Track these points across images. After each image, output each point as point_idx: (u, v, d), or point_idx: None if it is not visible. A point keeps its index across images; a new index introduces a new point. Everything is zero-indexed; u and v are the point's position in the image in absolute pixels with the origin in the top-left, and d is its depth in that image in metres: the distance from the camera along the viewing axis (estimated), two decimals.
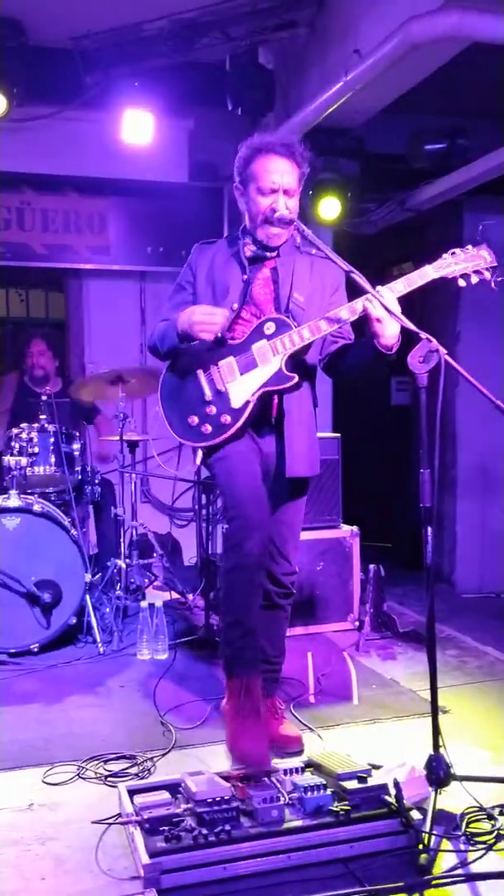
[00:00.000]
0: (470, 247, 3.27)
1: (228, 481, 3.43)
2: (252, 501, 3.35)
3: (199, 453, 3.52)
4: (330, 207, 6.21)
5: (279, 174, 3.36)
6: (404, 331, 3.16)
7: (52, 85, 5.98)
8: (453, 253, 3.28)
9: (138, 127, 5.89)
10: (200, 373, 3.47)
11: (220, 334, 3.38)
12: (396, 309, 3.15)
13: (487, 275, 3.26)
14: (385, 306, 3.13)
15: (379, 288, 3.20)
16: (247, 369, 3.41)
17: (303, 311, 3.43)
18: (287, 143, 3.42)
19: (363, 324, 3.29)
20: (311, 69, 5.80)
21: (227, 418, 3.41)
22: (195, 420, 3.45)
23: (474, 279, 3.27)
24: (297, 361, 3.43)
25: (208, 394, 3.43)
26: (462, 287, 3.30)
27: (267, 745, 3.32)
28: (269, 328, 3.41)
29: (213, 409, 3.42)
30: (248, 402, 3.40)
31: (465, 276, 3.28)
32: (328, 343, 3.54)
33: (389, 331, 3.21)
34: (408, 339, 3.11)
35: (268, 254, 3.49)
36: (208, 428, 3.42)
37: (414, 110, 5.97)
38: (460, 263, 3.26)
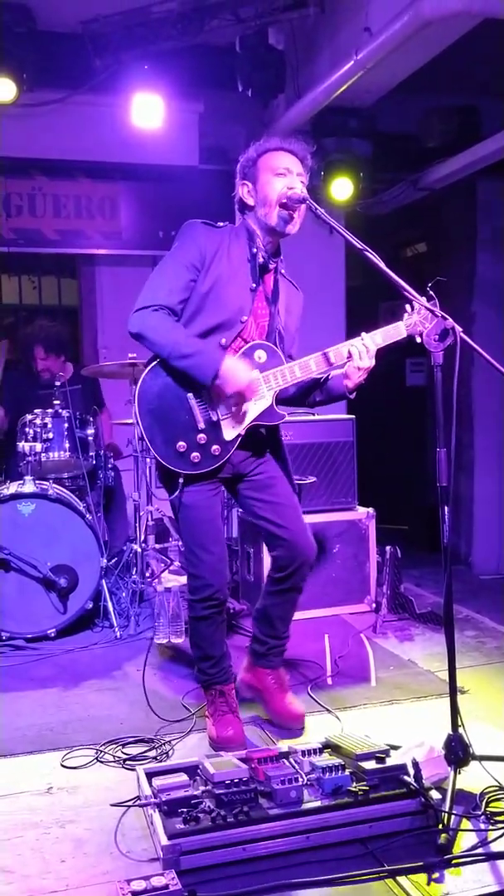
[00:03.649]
0: (424, 300, 3.10)
1: (191, 531, 3.46)
2: (217, 549, 3.46)
3: (177, 481, 3.38)
4: (342, 188, 6.17)
5: (291, 162, 3.36)
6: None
7: (61, 70, 5.95)
8: (414, 309, 3.23)
9: (148, 111, 5.86)
10: (192, 398, 3.32)
11: (223, 342, 3.35)
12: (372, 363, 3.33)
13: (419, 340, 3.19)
14: (394, 280, 3.09)
15: (363, 335, 3.32)
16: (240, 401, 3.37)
17: (282, 339, 3.46)
18: (291, 141, 3.42)
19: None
20: (322, 49, 5.76)
21: (217, 449, 3.34)
22: (183, 446, 3.31)
23: (418, 339, 3.19)
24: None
25: (201, 422, 3.32)
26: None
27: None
28: (260, 356, 3.37)
29: (203, 439, 3.32)
30: (238, 436, 3.37)
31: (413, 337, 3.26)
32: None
33: (359, 378, 3.38)
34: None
35: (273, 264, 3.45)
36: (198, 457, 3.33)
37: (426, 89, 5.92)
38: (418, 324, 3.22)
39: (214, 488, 3.47)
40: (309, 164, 3.43)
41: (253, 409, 3.37)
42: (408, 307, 3.24)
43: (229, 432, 3.35)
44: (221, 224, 3.48)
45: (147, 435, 3.34)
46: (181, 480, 3.36)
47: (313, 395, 3.62)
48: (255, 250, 3.40)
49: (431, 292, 3.05)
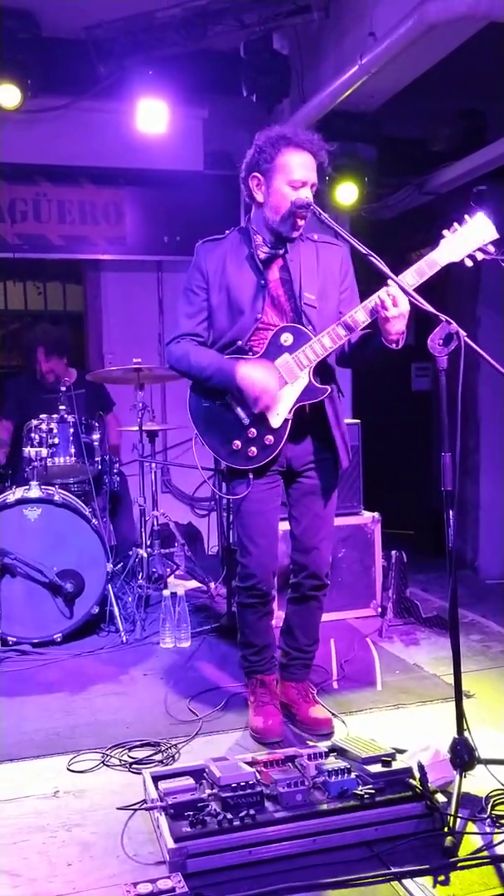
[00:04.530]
0: (467, 217, 3.19)
1: (243, 521, 3.56)
2: (264, 542, 3.55)
3: (248, 477, 3.49)
4: (347, 192, 6.17)
5: (309, 169, 3.34)
6: (425, 316, 3.13)
7: (65, 76, 5.99)
8: (454, 230, 3.21)
9: (153, 116, 5.88)
10: (230, 398, 3.44)
11: (240, 343, 3.41)
12: (406, 306, 3.19)
13: (492, 249, 3.19)
14: (405, 290, 3.11)
15: (389, 283, 3.19)
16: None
17: (315, 310, 3.43)
18: (311, 138, 3.37)
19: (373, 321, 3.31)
20: (326, 54, 5.77)
21: (270, 439, 3.42)
22: (238, 444, 3.43)
23: (480, 256, 3.20)
24: (321, 365, 3.43)
25: (245, 418, 3.43)
26: (482, 271, 3.26)
27: (281, 722, 3.58)
28: (287, 339, 3.39)
29: (254, 433, 3.42)
30: (286, 420, 3.42)
31: (472, 257, 3.21)
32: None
33: (396, 327, 3.24)
34: (427, 323, 3.08)
35: (279, 251, 3.45)
36: (254, 451, 3.43)
37: (431, 93, 5.92)
38: (462, 244, 3.19)
39: (271, 482, 3.55)
40: (324, 162, 3.41)
41: (291, 393, 3.40)
42: (445, 232, 3.21)
43: (276, 420, 3.41)
44: (227, 232, 3.58)
45: (207, 443, 3.53)
46: (251, 476, 3.47)
47: (365, 353, 3.53)
48: (251, 250, 3.45)
49: (474, 203, 3.09)
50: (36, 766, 3.35)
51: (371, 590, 5.28)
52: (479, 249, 3.19)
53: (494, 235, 3.17)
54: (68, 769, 3.30)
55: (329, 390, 3.44)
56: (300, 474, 3.58)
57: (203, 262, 3.52)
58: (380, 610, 5.23)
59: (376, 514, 5.28)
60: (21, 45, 5.50)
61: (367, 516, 5.27)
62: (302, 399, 3.41)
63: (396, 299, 3.17)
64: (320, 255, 3.50)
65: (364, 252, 3.11)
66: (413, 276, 3.24)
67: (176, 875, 2.43)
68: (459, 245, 3.20)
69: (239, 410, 3.43)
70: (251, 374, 3.32)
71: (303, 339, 3.38)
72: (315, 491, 3.58)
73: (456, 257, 3.21)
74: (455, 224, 3.20)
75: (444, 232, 3.21)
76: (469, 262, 3.21)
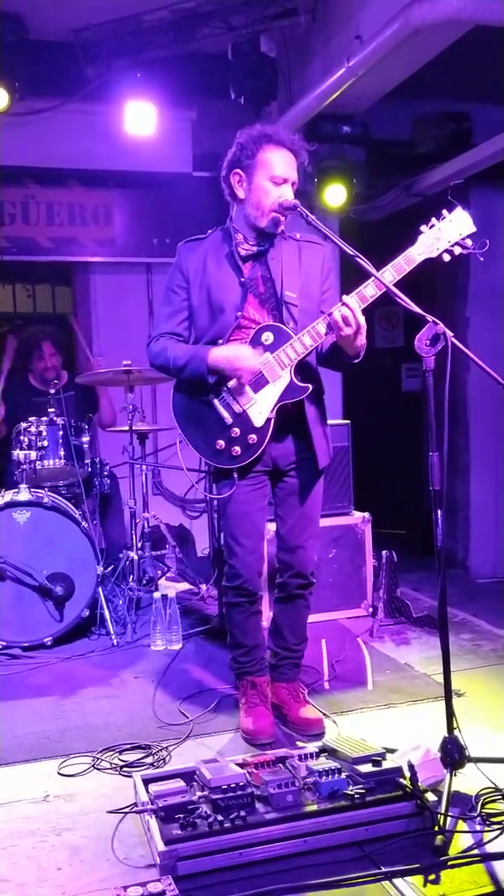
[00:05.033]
0: (445, 212, 3.21)
1: (229, 522, 3.60)
2: (249, 543, 3.58)
3: (232, 477, 3.51)
4: (335, 194, 6.18)
5: (289, 167, 3.38)
6: (413, 317, 3.13)
7: (53, 78, 5.98)
8: (431, 225, 3.22)
9: (141, 118, 5.89)
10: (213, 398, 3.46)
11: (221, 341, 3.43)
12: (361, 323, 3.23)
13: (469, 243, 3.20)
14: (390, 289, 3.12)
15: (344, 300, 3.23)
16: (259, 387, 3.42)
17: (297, 308, 3.45)
18: (292, 137, 3.43)
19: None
20: (314, 56, 5.78)
21: (253, 438, 3.44)
22: (222, 444, 3.45)
23: (458, 251, 3.20)
24: (302, 364, 3.45)
25: (228, 418, 3.44)
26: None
27: (271, 723, 3.58)
28: (267, 338, 3.41)
29: (237, 432, 3.44)
30: (269, 419, 3.43)
31: (449, 252, 3.22)
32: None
33: (353, 343, 3.28)
34: (416, 324, 3.09)
35: (261, 248, 3.47)
36: (237, 450, 3.45)
37: (418, 95, 5.95)
38: (441, 238, 3.20)
39: (256, 483, 3.57)
40: (304, 162, 3.44)
41: (273, 392, 3.42)
42: (423, 228, 3.23)
43: (258, 418, 3.43)
44: (209, 231, 3.61)
45: (191, 443, 3.53)
46: (235, 476, 3.49)
47: (337, 357, 3.51)
48: (231, 248, 3.48)
49: (451, 198, 3.12)
50: (26, 770, 3.34)
51: (362, 590, 5.28)
52: (457, 244, 3.20)
53: (472, 229, 3.19)
54: (59, 773, 3.29)
55: (310, 389, 3.45)
56: (286, 473, 3.60)
57: (184, 261, 3.56)
58: (371, 610, 5.24)
59: (367, 515, 5.29)
60: (9, 48, 5.50)
61: (358, 516, 5.28)
62: (284, 398, 3.42)
63: (349, 319, 3.20)
64: (302, 253, 3.52)
65: (351, 253, 3.12)
66: (391, 272, 3.25)
67: (166, 878, 2.43)
68: (437, 240, 3.22)
69: (222, 410, 3.45)
70: (222, 350, 3.38)
71: (283, 338, 3.40)
72: (300, 490, 3.60)
73: (433, 253, 3.22)
74: (433, 220, 3.21)
75: (422, 228, 3.22)
76: (447, 257, 3.22)
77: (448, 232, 3.21)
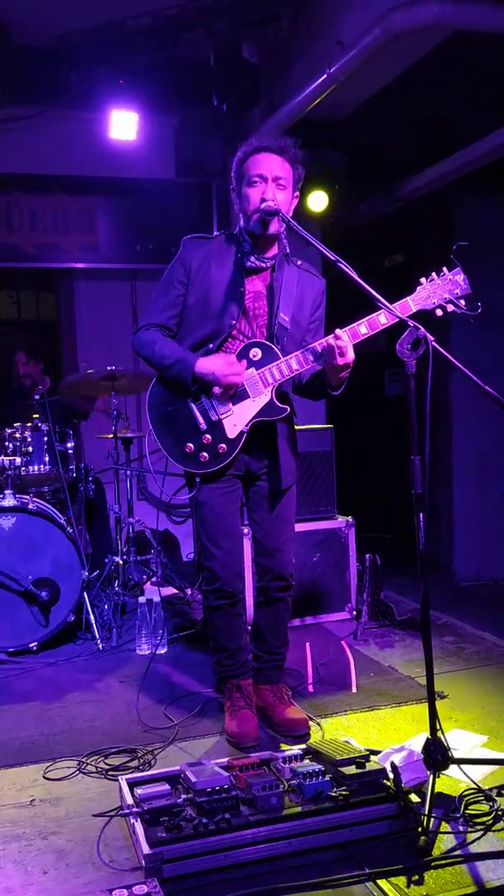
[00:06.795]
0: (445, 270, 3.26)
1: (205, 525, 3.62)
2: (227, 544, 3.61)
3: (196, 480, 3.55)
4: (318, 200, 6.22)
5: (266, 165, 3.38)
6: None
7: (36, 85, 5.98)
8: (431, 280, 3.27)
9: (124, 125, 5.91)
10: (191, 402, 3.49)
11: (211, 346, 3.46)
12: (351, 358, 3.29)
13: (463, 304, 3.24)
14: (377, 299, 3.14)
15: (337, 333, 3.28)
16: (238, 399, 3.45)
17: (286, 332, 3.48)
18: (279, 141, 3.44)
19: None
20: (296, 62, 5.80)
21: (223, 447, 3.47)
22: (191, 448, 3.49)
23: (450, 308, 3.25)
24: (279, 389, 3.50)
25: (203, 424, 3.47)
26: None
27: (256, 726, 3.57)
28: (256, 354, 3.44)
29: (208, 438, 3.47)
30: (242, 433, 3.46)
31: (443, 308, 3.27)
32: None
33: (340, 374, 3.35)
34: (399, 328, 3.12)
35: (265, 263, 3.49)
36: (206, 456, 3.48)
37: (400, 101, 5.96)
38: (437, 293, 3.25)
39: (229, 486, 3.59)
40: (292, 154, 3.44)
41: (252, 407, 3.45)
42: (423, 280, 3.27)
43: (232, 430, 3.46)
44: (216, 234, 3.66)
45: (160, 442, 3.54)
46: (198, 480, 3.52)
47: (312, 386, 3.60)
48: (240, 255, 3.49)
49: (454, 258, 3.17)
50: (11, 774, 3.34)
51: (346, 593, 5.31)
52: (451, 302, 3.25)
53: (467, 291, 3.24)
54: (44, 777, 3.29)
55: (287, 411, 3.51)
56: (258, 478, 3.63)
57: (188, 256, 3.55)
58: (355, 613, 5.27)
59: (350, 518, 5.31)
60: None
61: (342, 520, 5.30)
62: (261, 415, 3.46)
63: (344, 349, 3.26)
64: (301, 282, 3.56)
65: (332, 258, 3.14)
66: (385, 316, 3.29)
67: (152, 881, 2.44)
68: (433, 294, 3.26)
69: (198, 415, 3.48)
70: (210, 362, 3.40)
71: (271, 357, 3.43)
72: (273, 494, 3.63)
73: (429, 305, 3.27)
74: (433, 274, 3.26)
75: (422, 280, 3.27)
76: (440, 312, 3.26)
77: (444, 290, 3.26)
